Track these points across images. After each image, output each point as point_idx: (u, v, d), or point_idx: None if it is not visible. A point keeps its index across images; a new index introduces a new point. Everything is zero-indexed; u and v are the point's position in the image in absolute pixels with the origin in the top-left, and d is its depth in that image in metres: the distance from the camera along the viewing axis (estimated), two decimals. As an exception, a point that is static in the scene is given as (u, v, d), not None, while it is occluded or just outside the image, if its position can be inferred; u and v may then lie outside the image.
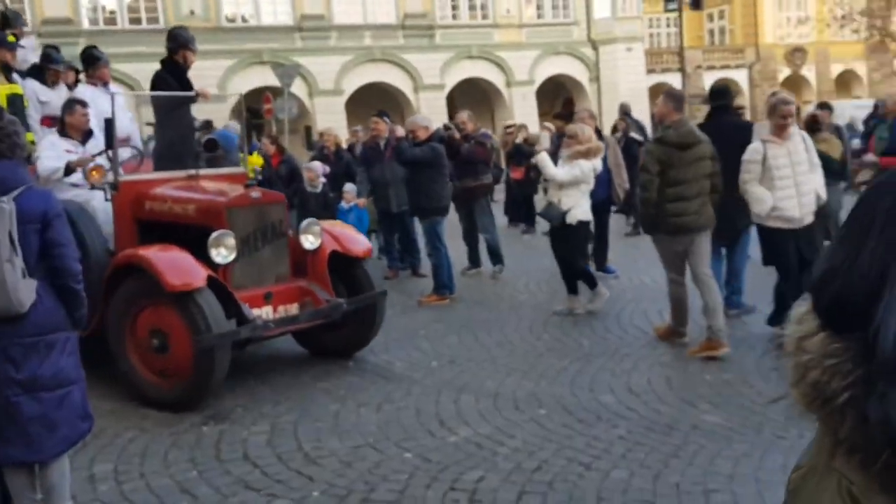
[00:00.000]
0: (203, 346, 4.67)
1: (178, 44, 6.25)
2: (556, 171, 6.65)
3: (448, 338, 6.34)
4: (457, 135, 8.99)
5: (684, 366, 5.30)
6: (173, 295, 4.71)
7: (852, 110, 20.63)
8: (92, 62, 6.83)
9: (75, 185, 5.75)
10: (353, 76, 25.43)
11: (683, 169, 5.53)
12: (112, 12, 22.93)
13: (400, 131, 9.04)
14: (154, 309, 4.93)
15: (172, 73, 6.24)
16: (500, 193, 13.36)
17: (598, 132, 8.23)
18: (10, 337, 3.06)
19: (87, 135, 5.99)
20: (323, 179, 9.19)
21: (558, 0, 28.49)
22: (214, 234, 5.06)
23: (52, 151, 5.67)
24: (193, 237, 5.19)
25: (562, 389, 4.95)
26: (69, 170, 5.61)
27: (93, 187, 5.51)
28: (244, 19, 24.22)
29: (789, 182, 5.38)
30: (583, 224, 6.78)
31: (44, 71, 6.88)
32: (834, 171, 6.63)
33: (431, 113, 18.56)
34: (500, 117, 25.67)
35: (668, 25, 31.78)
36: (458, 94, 27.48)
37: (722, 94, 6.68)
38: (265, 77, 21.33)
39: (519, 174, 12.48)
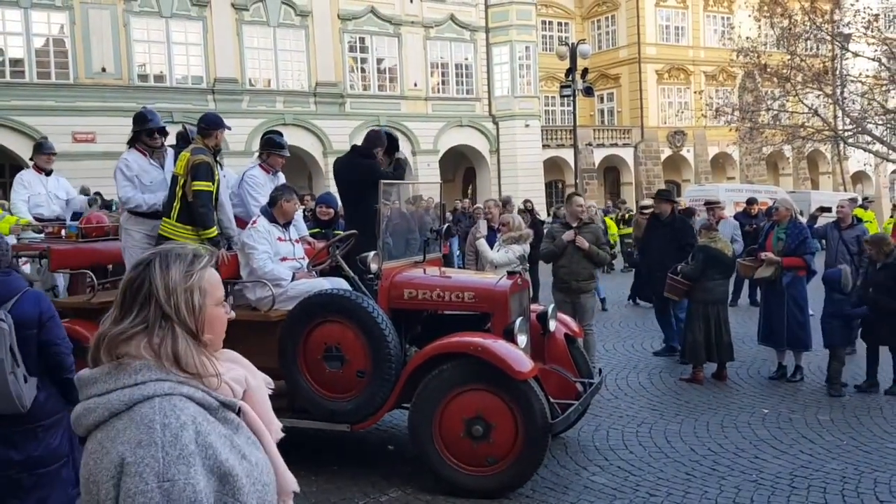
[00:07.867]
0: (546, 432, 4.79)
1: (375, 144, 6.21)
2: (493, 254, 7.65)
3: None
4: None
5: (577, 434, 6.24)
6: (512, 383, 4.77)
7: (724, 194, 22.97)
8: (271, 147, 6.38)
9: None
10: (264, 139, 25.93)
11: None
12: (18, 61, 22.58)
13: None
14: (469, 397, 4.89)
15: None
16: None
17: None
18: (12, 426, 3.56)
19: (288, 221, 5.84)
20: None
21: (462, 77, 30.24)
22: (518, 322, 5.19)
23: (268, 245, 5.52)
24: (437, 326, 5.51)
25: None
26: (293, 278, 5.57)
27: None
28: (157, 78, 24.45)
29: None
30: None
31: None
32: (729, 266, 8.03)
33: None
34: (405, 184, 26.72)
35: (562, 104, 34.04)
36: (366, 159, 28.39)
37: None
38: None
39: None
